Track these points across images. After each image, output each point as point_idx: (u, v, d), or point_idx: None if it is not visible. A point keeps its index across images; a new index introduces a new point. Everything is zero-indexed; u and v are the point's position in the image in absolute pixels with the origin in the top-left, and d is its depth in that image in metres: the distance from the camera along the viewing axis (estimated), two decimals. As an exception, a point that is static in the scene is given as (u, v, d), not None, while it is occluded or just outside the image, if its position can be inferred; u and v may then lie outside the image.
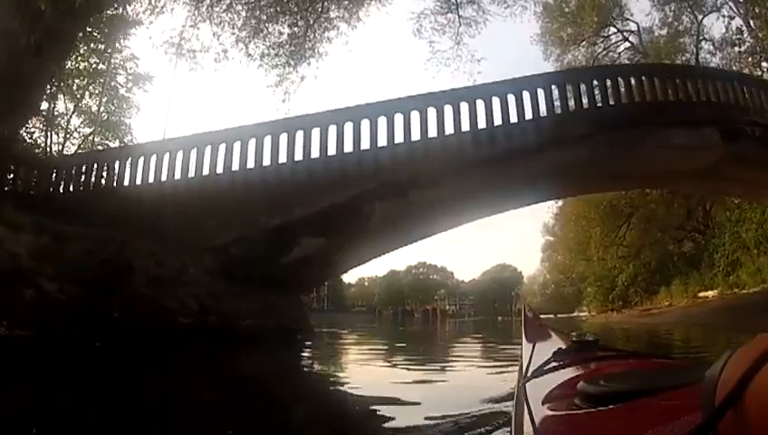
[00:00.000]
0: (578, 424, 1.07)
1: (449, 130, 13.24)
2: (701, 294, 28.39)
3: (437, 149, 12.93)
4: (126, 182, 14.41)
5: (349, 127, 13.26)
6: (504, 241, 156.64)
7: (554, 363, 1.74)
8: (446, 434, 2.97)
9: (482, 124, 13.31)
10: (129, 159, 14.68)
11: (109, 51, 27.18)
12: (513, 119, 13.43)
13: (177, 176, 13.92)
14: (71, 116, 27.79)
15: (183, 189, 13.57)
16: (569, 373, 1.53)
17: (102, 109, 28.45)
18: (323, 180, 12.76)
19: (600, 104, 14.27)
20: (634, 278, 34.51)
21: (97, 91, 27.52)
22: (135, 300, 10.79)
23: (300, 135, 13.38)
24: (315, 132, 13.35)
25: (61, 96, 27.38)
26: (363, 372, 6.81)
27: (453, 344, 14.05)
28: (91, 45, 27.17)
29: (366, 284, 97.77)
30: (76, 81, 27.45)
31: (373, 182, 12.57)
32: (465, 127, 13.27)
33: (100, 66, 27.55)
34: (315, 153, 13.24)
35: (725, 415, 0.57)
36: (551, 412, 1.22)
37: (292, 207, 12.63)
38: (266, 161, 13.39)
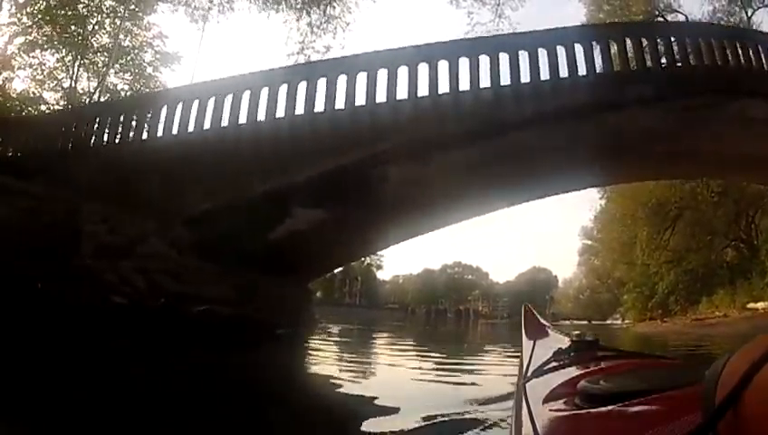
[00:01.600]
0: (578, 424, 1.01)
1: (485, 83, 9.96)
2: (750, 306, 24.46)
3: (470, 105, 9.70)
4: (105, 141, 11.51)
5: (362, 77, 10.09)
6: (540, 244, 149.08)
7: (554, 363, 1.63)
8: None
9: (525, 78, 10.02)
10: (109, 117, 11.75)
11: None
12: (564, 73, 10.10)
13: (160, 134, 10.97)
14: (94, 93, 25.23)
15: (165, 150, 10.61)
16: (569, 373, 1.43)
17: (128, 87, 25.98)
18: (327, 138, 9.64)
19: (664, 64, 10.89)
20: (675, 286, 30.44)
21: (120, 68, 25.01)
22: (69, 271, 7.86)
23: (303, 86, 10.26)
24: (321, 83, 10.23)
25: (84, 73, 25.04)
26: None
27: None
28: (116, 21, 24.86)
29: (401, 281, 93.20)
30: (99, 57, 24.96)
31: (389, 141, 9.39)
32: (505, 80, 9.98)
33: (126, 43, 25.04)
34: (320, 107, 10.11)
35: (725, 415, 0.55)
36: (551, 412, 1.14)
37: (286, 170, 9.54)
38: (261, 117, 10.30)
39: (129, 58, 25.48)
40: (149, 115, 11.21)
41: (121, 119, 11.56)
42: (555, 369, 1.55)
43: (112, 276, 7.99)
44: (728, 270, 28.74)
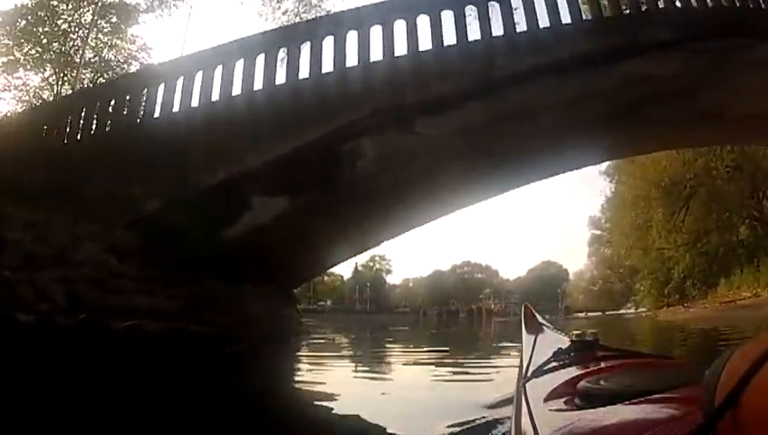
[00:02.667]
0: (578, 424, 0.95)
1: (474, 35, 8.08)
2: (776, 283, 22.29)
3: (457, 60, 7.83)
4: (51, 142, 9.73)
5: (329, 42, 8.25)
6: (549, 237, 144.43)
7: (554, 363, 1.57)
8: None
9: (521, 27, 8.13)
10: (57, 117, 10.01)
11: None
12: (566, 19, 8.21)
13: (108, 128, 9.21)
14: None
15: (111, 145, 8.83)
16: (569, 373, 1.38)
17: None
18: (289, 113, 7.80)
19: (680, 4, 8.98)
20: (691, 269, 28.09)
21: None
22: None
23: (261, 59, 8.44)
24: (282, 54, 8.42)
25: (69, 90, 23.56)
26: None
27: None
28: (99, 36, 23.44)
29: (411, 285, 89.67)
30: (83, 73, 23.50)
31: (362, 109, 7.52)
32: (498, 30, 8.10)
33: (110, 57, 23.66)
34: (282, 79, 8.28)
35: (725, 415, 0.52)
36: (551, 412, 1.10)
37: (243, 155, 7.70)
38: (215, 96, 8.49)
39: (113, 72, 24.10)
40: (98, 109, 9.44)
41: (69, 117, 9.83)
42: (555, 369, 1.49)
43: (27, 290, 6.18)
44: (745, 249, 26.55)
